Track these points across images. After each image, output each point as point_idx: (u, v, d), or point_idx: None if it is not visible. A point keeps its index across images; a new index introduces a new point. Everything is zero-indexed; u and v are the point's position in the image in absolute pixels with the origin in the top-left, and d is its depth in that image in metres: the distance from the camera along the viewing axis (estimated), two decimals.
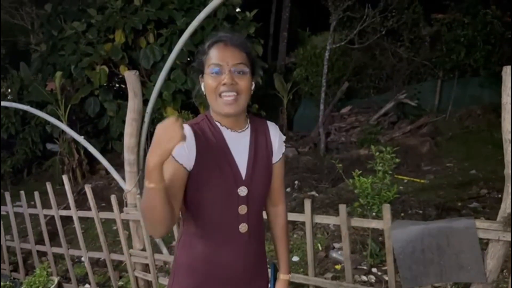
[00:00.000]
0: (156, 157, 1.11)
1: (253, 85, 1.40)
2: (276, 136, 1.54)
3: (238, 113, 1.39)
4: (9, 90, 8.70)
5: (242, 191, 1.41)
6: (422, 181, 5.90)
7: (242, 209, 1.42)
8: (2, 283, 3.57)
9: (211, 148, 1.37)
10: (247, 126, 1.47)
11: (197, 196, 1.37)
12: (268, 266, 1.70)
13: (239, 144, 1.44)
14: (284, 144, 1.58)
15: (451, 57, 8.40)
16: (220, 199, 1.38)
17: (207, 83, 1.35)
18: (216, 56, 1.34)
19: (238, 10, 8.22)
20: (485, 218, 3.66)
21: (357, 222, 2.43)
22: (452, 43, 8.41)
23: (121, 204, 3.21)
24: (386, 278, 3.21)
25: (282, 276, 1.66)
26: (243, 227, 1.44)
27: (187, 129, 1.34)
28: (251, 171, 1.43)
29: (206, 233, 1.42)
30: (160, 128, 1.11)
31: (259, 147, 1.48)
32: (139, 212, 3.02)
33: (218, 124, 1.41)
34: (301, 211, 2.54)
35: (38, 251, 3.88)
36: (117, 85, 8.92)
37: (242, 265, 1.47)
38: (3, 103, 5.25)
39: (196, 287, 1.46)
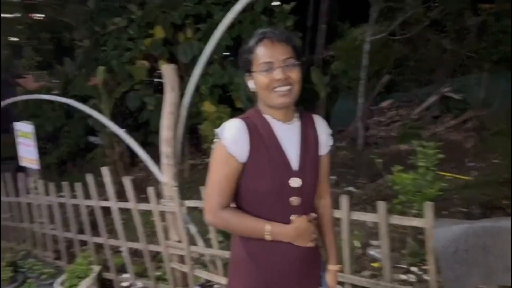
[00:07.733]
0: (293, 240, 1.43)
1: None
2: (323, 129, 1.58)
3: (291, 104, 1.44)
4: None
5: (296, 182, 1.45)
6: (466, 178, 5.67)
7: (294, 201, 1.45)
8: (46, 270, 3.73)
9: (262, 140, 1.43)
10: (296, 118, 1.51)
11: (250, 186, 1.44)
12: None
13: (288, 135, 1.48)
14: (331, 137, 1.61)
15: (498, 49, 8.04)
16: (271, 189, 1.43)
17: (259, 81, 1.40)
18: (265, 54, 1.38)
19: (276, 3, 8.13)
20: None
21: (396, 219, 2.35)
22: (499, 34, 8.06)
23: (160, 196, 3.26)
24: (426, 278, 3.10)
25: (331, 267, 1.68)
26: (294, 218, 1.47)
27: (241, 123, 1.42)
28: (303, 162, 1.47)
29: None
30: (306, 226, 1.44)
31: (309, 139, 1.52)
32: (176, 204, 3.05)
33: (269, 117, 1.46)
34: (337, 206, 2.48)
35: (80, 240, 4.02)
36: (157, 79, 9.07)
37: (298, 255, 1.49)
38: (49, 97, 5.46)
39: (256, 277, 1.50)
